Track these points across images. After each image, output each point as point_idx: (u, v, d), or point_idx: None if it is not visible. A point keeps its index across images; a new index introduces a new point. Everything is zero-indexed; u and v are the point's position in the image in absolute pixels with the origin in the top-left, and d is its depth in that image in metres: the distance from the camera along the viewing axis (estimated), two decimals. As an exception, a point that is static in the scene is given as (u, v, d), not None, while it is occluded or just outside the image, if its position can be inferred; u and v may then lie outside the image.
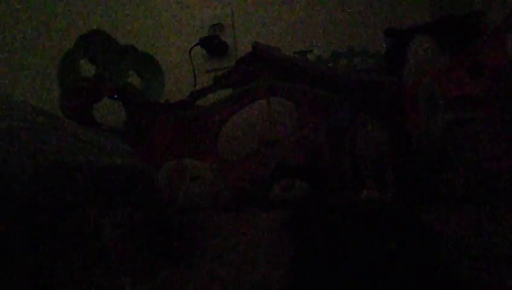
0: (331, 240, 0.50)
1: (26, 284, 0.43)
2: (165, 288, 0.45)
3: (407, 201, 0.64)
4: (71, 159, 0.49)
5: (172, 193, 0.62)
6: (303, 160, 0.75)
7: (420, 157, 0.67)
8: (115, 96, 0.92)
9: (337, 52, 1.01)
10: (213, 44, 1.20)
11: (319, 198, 0.69)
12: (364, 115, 0.70)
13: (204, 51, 1.22)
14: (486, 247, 0.46)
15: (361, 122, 0.69)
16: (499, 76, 0.63)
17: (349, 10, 1.15)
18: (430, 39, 0.82)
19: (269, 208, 0.57)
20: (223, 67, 1.17)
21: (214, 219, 0.55)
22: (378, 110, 0.71)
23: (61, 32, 1.38)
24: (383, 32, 0.89)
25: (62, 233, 0.47)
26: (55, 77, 0.95)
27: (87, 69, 0.98)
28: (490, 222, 0.49)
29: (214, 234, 0.52)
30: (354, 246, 0.48)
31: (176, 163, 0.65)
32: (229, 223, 0.53)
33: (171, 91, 1.09)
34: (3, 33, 1.45)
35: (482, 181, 0.61)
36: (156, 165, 0.66)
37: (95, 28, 0.99)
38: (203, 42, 1.20)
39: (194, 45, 1.17)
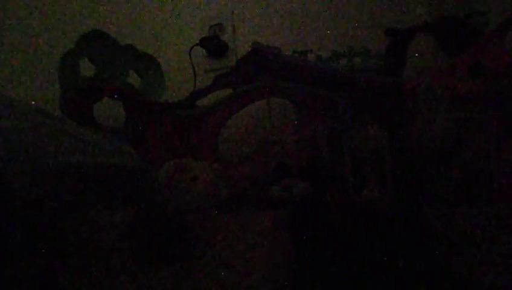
0: (331, 240, 0.50)
1: (26, 284, 0.43)
2: (165, 288, 0.45)
3: (407, 201, 0.64)
4: (71, 159, 0.49)
5: (172, 192, 0.62)
6: (303, 160, 0.75)
7: (420, 157, 0.67)
8: (115, 96, 0.92)
9: (337, 52, 1.01)
10: (213, 44, 1.20)
11: (319, 198, 0.69)
12: (364, 115, 0.69)
13: (204, 51, 1.22)
14: (487, 247, 0.46)
15: (361, 122, 0.69)
16: (499, 76, 0.63)
17: (349, 10, 1.14)
18: (430, 39, 0.82)
19: (269, 208, 0.57)
20: (223, 67, 1.17)
21: (214, 219, 0.55)
22: (378, 111, 0.71)
23: (61, 32, 1.38)
24: (383, 32, 0.89)
25: (62, 233, 0.47)
26: (55, 77, 0.95)
27: (87, 69, 0.98)
28: (490, 221, 0.49)
29: (214, 234, 0.52)
30: (354, 246, 0.48)
31: (175, 163, 0.65)
32: (229, 223, 0.53)
33: (171, 91, 1.09)
34: (4, 33, 1.45)
35: (482, 181, 0.61)
36: (156, 165, 0.66)
37: (95, 28, 0.99)
38: (203, 42, 1.20)
39: (194, 45, 1.17)
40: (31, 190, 0.44)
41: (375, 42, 1.01)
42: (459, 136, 0.64)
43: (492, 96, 0.63)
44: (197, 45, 1.19)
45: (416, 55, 0.82)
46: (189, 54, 1.15)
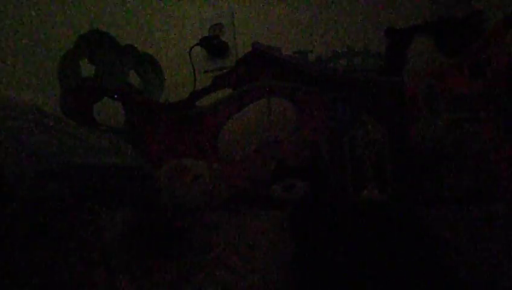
0: (331, 240, 0.50)
1: (27, 284, 0.43)
2: (164, 288, 0.45)
3: (407, 201, 0.64)
4: (71, 159, 0.49)
5: (172, 192, 0.62)
6: (303, 160, 0.75)
7: (420, 157, 0.67)
8: (115, 96, 0.92)
9: (337, 52, 1.01)
10: (213, 44, 1.20)
11: (319, 198, 0.69)
12: (364, 115, 0.70)
13: (204, 51, 1.22)
14: (486, 247, 0.46)
15: (361, 122, 0.69)
16: (499, 76, 0.63)
17: (349, 10, 1.14)
18: (430, 39, 0.82)
19: (269, 208, 0.57)
20: (223, 67, 1.17)
21: (214, 219, 0.55)
22: (378, 110, 0.71)
23: (61, 32, 1.38)
24: (383, 32, 0.89)
25: (62, 233, 0.47)
26: (55, 77, 0.95)
27: (87, 69, 0.98)
28: (490, 222, 0.49)
29: (214, 234, 0.52)
30: (354, 246, 0.48)
31: (176, 163, 0.65)
32: (229, 223, 0.53)
33: (171, 91, 1.09)
34: (4, 33, 1.45)
35: (481, 181, 0.61)
36: (156, 165, 0.66)
37: (95, 28, 0.99)
38: (203, 42, 1.19)
39: (194, 45, 1.17)
40: (31, 190, 0.44)
41: (375, 42, 1.01)
42: (459, 136, 0.64)
43: (492, 96, 0.63)
44: (197, 45, 1.18)
45: (416, 55, 0.82)
46: (189, 54, 1.15)
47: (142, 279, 0.46)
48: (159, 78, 1.06)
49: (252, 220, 0.54)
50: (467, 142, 0.63)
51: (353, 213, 0.56)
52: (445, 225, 0.50)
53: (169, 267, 0.47)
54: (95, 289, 0.45)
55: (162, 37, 1.31)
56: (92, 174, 0.52)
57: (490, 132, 0.62)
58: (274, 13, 1.22)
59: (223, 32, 1.24)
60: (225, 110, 0.81)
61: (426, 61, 0.80)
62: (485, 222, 0.49)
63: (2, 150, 0.42)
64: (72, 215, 0.48)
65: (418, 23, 0.86)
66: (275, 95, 0.81)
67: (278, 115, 0.85)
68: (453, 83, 0.67)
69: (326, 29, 1.16)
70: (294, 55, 1.03)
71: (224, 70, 0.92)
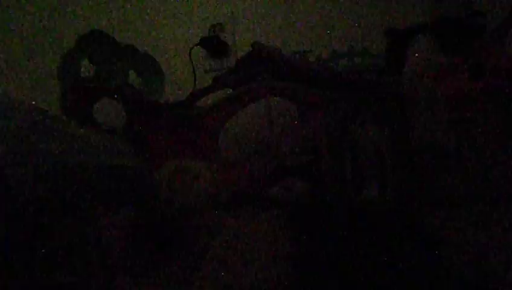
0: (331, 240, 0.50)
1: (26, 284, 0.43)
2: (165, 288, 0.45)
3: (407, 201, 0.64)
4: (71, 159, 0.49)
5: (172, 192, 0.62)
6: (303, 160, 0.75)
7: (420, 158, 0.66)
8: (115, 96, 0.92)
9: (337, 52, 1.01)
10: (213, 44, 1.20)
11: (319, 198, 0.69)
12: (364, 115, 0.69)
13: (204, 51, 1.22)
14: (486, 247, 0.46)
15: (361, 122, 0.69)
16: (499, 76, 0.63)
17: (349, 10, 1.14)
18: (430, 39, 0.82)
19: (269, 208, 0.57)
20: (223, 67, 1.17)
21: (214, 219, 0.55)
22: (378, 110, 0.71)
23: (61, 32, 1.38)
24: (383, 32, 0.89)
25: (62, 233, 0.47)
26: (55, 77, 0.95)
27: (87, 69, 0.98)
28: (490, 222, 0.49)
29: (214, 234, 0.52)
30: (354, 246, 0.48)
31: (176, 163, 0.65)
32: (229, 223, 0.53)
33: (171, 91, 1.09)
34: (4, 33, 1.45)
35: (482, 181, 0.61)
36: (155, 165, 0.66)
37: (95, 28, 0.99)
38: (203, 42, 1.19)
39: (194, 45, 1.17)
40: (31, 190, 0.44)
41: (375, 42, 1.01)
42: (459, 136, 0.64)
43: (492, 96, 0.63)
44: (197, 45, 1.18)
45: (416, 55, 0.82)
46: (189, 54, 1.15)
47: (142, 279, 0.46)
48: (159, 78, 1.06)
49: (252, 220, 0.54)
50: (467, 142, 0.63)
51: (353, 213, 0.56)
52: (445, 225, 0.50)
53: (169, 267, 0.47)
54: (95, 289, 0.45)
55: (162, 37, 1.31)
56: (92, 174, 0.52)
57: (490, 132, 0.62)
58: (274, 13, 1.22)
59: (223, 32, 1.24)
60: (225, 110, 0.81)
61: (426, 61, 0.80)
62: (485, 222, 0.49)
63: (2, 150, 0.42)
64: (72, 215, 0.48)
65: (418, 23, 0.86)
66: (275, 95, 0.81)
67: (278, 115, 0.85)
68: (453, 83, 0.67)
69: (326, 29, 1.16)
70: (294, 55, 1.03)
71: (224, 71, 0.92)
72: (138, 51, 1.03)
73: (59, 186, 0.47)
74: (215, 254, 0.49)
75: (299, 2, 1.20)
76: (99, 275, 0.46)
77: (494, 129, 0.62)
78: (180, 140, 0.81)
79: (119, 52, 0.99)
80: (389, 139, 0.67)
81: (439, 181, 0.64)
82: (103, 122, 0.93)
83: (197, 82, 1.10)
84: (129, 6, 1.36)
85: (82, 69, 0.97)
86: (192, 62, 1.14)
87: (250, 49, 0.87)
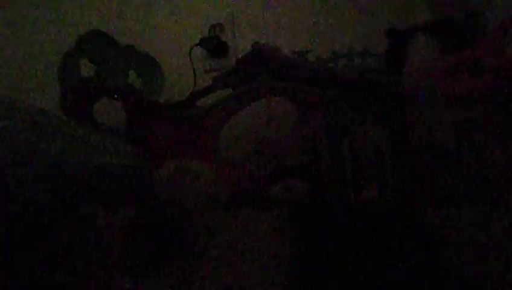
0: (331, 240, 0.50)
1: (27, 284, 0.43)
2: (164, 288, 0.45)
3: (407, 201, 0.64)
4: (71, 159, 0.49)
5: (172, 192, 0.62)
6: (303, 160, 0.75)
7: (420, 158, 0.67)
8: (115, 96, 0.92)
9: (337, 52, 1.01)
10: (213, 44, 1.20)
11: (318, 198, 0.69)
12: (364, 115, 0.69)
13: (204, 51, 1.22)
14: (486, 247, 0.46)
15: (361, 122, 0.69)
16: (499, 76, 0.63)
17: (349, 10, 1.14)
18: (430, 39, 0.82)
19: (269, 208, 0.57)
20: (223, 67, 1.17)
21: (214, 219, 0.55)
22: (378, 110, 0.71)
23: (61, 32, 1.38)
24: (383, 33, 0.89)
25: (62, 233, 0.47)
26: (55, 76, 0.95)
27: (87, 69, 0.98)
28: (490, 222, 0.49)
29: (214, 234, 0.52)
30: (354, 246, 0.48)
31: (176, 163, 0.65)
32: (229, 223, 0.53)
33: (171, 91, 1.09)
34: (4, 33, 1.45)
35: (482, 181, 0.61)
36: (156, 165, 0.66)
37: (95, 28, 0.99)
38: (203, 42, 1.20)
39: (194, 45, 1.17)
40: (31, 190, 0.44)
41: (375, 42, 1.01)
42: (459, 136, 0.64)
43: (492, 96, 0.63)
44: (197, 45, 1.19)
45: (417, 55, 0.82)
46: (189, 54, 1.15)
47: (142, 279, 0.46)
48: (159, 78, 1.06)
49: (252, 220, 0.54)
50: (467, 142, 0.63)
51: (353, 213, 0.56)
52: (445, 225, 0.50)
53: (169, 267, 0.47)
54: (95, 289, 0.45)
55: (162, 37, 1.31)
56: (91, 174, 0.52)
57: (490, 132, 0.62)
58: (274, 13, 1.22)
59: (223, 32, 1.24)
60: (225, 110, 0.81)
61: (426, 61, 0.80)
62: (485, 222, 0.49)
63: (2, 150, 0.42)
64: (72, 215, 0.48)
65: (418, 23, 0.86)
66: (275, 95, 0.81)
67: (278, 115, 0.85)
68: (453, 83, 0.67)
69: (326, 29, 1.16)
70: (294, 55, 1.03)
71: (224, 71, 0.92)
72: (138, 51, 1.03)
73: (59, 186, 0.47)
74: (215, 254, 0.49)
75: (299, 2, 1.20)
76: (99, 275, 0.46)
77: (494, 129, 0.62)
78: (180, 140, 0.81)
79: (119, 52, 0.99)
80: (389, 139, 0.67)
81: (439, 181, 0.64)
82: (103, 122, 0.93)
83: (197, 82, 1.10)
84: (129, 6, 1.36)
85: (82, 69, 0.97)
86: (192, 62, 1.14)
87: (250, 49, 0.87)
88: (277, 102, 0.83)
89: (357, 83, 0.77)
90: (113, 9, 1.37)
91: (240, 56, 0.93)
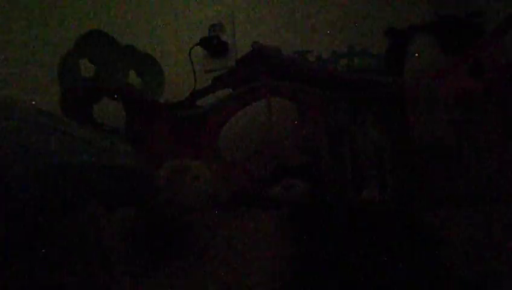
0: (331, 240, 0.50)
1: (27, 284, 0.43)
2: (164, 288, 0.45)
3: (407, 201, 0.64)
4: (71, 159, 0.49)
5: (172, 192, 0.62)
6: (303, 160, 0.75)
7: (420, 158, 0.67)
8: (115, 96, 0.92)
9: (337, 52, 1.01)
10: (213, 44, 1.20)
11: (319, 198, 0.69)
12: (364, 115, 0.69)
13: (204, 51, 1.22)
14: (486, 247, 0.46)
15: (361, 122, 0.69)
16: (499, 76, 0.63)
17: (349, 10, 1.14)
18: (430, 39, 0.82)
19: (269, 208, 0.57)
20: (223, 67, 1.17)
21: (214, 219, 0.55)
22: (378, 110, 0.71)
23: (61, 32, 1.38)
24: (383, 33, 0.89)
25: (62, 233, 0.47)
26: (55, 76, 0.95)
27: (87, 69, 0.98)
28: (490, 222, 0.49)
29: (214, 234, 0.52)
30: (354, 246, 0.48)
31: (176, 163, 0.65)
32: (229, 223, 0.53)
33: (171, 91, 1.09)
34: (4, 33, 1.45)
35: (482, 181, 0.61)
36: (156, 165, 0.66)
37: (95, 28, 0.99)
38: (203, 42, 1.20)
39: (194, 45, 1.17)
40: (31, 190, 0.44)
41: (375, 42, 1.01)
42: (459, 136, 0.64)
43: (492, 96, 0.63)
44: (197, 45, 1.19)
45: (416, 55, 0.82)
46: (189, 54, 1.15)
47: (142, 279, 0.46)
48: (159, 78, 1.06)
49: (252, 220, 0.54)
50: (466, 143, 0.63)
51: (353, 213, 0.56)
52: (445, 225, 0.50)
53: (169, 267, 0.47)
54: (95, 289, 0.45)
55: (162, 37, 1.31)
56: (91, 174, 0.52)
57: (490, 132, 0.62)
58: (274, 13, 1.22)
59: (223, 32, 1.24)
60: (225, 110, 0.81)
61: (426, 61, 0.80)
62: (485, 222, 0.49)
63: (2, 150, 0.42)
64: (72, 215, 0.48)
65: (418, 23, 0.86)
66: (275, 95, 0.81)
67: (278, 115, 0.85)
68: (453, 83, 0.67)
69: (326, 29, 1.16)
70: (294, 55, 1.03)
71: (224, 71, 0.92)
72: (138, 51, 1.03)
73: (59, 186, 0.47)
74: (215, 254, 0.49)
75: (299, 2, 1.20)
76: (99, 275, 0.46)
77: (494, 129, 0.62)
78: (180, 140, 0.81)
79: (119, 52, 0.99)
80: (389, 139, 0.67)
81: (439, 181, 0.64)
82: (103, 122, 0.93)
83: (197, 82, 1.10)
84: (129, 7, 1.36)
85: (82, 69, 0.97)
86: (192, 62, 1.14)
87: (250, 49, 0.87)
88: (277, 102, 0.82)
89: (357, 83, 0.77)
90: (113, 9, 1.37)
91: (240, 56, 0.93)
